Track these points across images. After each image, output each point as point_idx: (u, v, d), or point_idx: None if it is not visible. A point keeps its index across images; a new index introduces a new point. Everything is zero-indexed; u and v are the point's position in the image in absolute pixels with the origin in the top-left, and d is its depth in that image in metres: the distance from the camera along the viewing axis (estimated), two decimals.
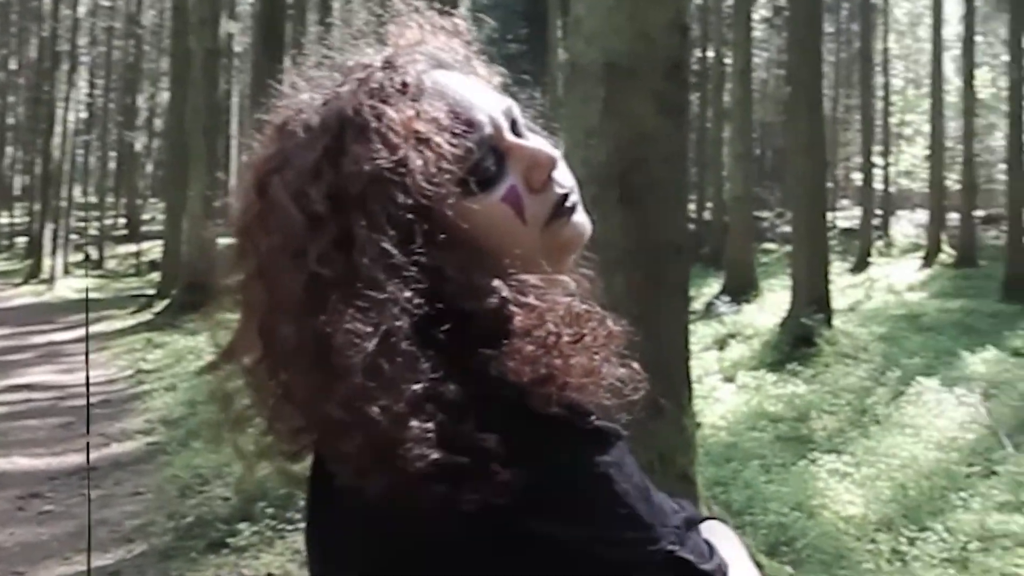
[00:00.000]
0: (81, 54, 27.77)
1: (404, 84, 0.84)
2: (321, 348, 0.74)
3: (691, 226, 25.62)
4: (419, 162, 0.78)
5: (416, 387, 0.72)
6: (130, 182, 36.17)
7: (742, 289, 16.49)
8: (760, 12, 31.43)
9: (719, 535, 0.88)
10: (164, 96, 32.10)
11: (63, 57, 25.14)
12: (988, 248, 22.29)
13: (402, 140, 0.79)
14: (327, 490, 0.81)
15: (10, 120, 40.09)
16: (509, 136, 0.86)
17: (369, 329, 0.73)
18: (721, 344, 12.39)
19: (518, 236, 0.83)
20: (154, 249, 26.02)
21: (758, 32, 29.50)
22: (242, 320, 0.85)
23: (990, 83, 32.15)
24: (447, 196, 0.79)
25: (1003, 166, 21.13)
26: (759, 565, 4.89)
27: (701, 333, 12.89)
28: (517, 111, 0.90)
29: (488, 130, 0.84)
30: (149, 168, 40.39)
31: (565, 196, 0.87)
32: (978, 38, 25.08)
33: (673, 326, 4.54)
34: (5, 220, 35.99)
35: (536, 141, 0.88)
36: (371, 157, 0.78)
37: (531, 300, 0.79)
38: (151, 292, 18.65)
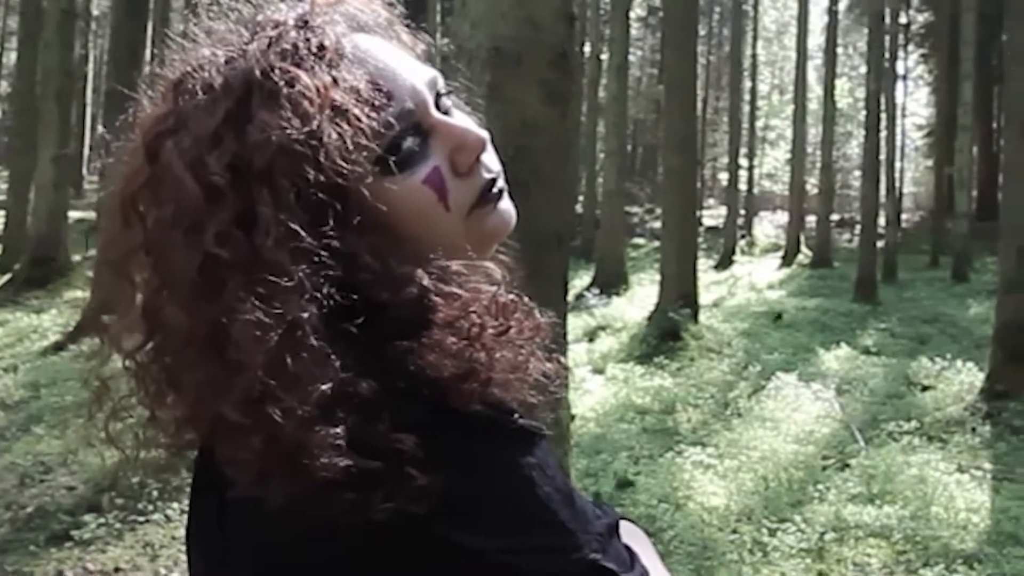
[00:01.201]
0: None
1: (321, 47, 0.74)
2: (216, 339, 0.67)
3: None
4: (334, 135, 0.70)
5: (324, 387, 0.65)
6: None
7: (612, 282, 16.79)
8: (636, 11, 32.05)
9: (634, 538, 0.85)
10: (11, 57, 30.09)
11: None
12: (842, 250, 23.48)
13: (316, 110, 0.70)
14: (217, 491, 0.72)
15: None
16: (434, 113, 0.78)
17: (271, 320, 0.66)
18: (591, 336, 12.55)
19: (440, 222, 0.77)
20: None
21: (633, 30, 30.07)
22: (123, 298, 0.76)
23: (848, 93, 33.86)
24: (364, 175, 0.72)
25: (858, 173, 22.25)
26: None
27: (572, 325, 13.00)
28: (442, 83, 0.81)
29: (411, 104, 0.76)
30: None
31: (492, 181, 0.80)
32: (839, 50, 26.28)
33: (553, 317, 4.51)
34: None
35: (463, 120, 0.80)
36: (280, 126, 0.69)
37: (454, 289, 0.72)
38: None
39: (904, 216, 30.91)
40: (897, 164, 25.76)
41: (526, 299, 0.78)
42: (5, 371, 9.26)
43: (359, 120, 0.71)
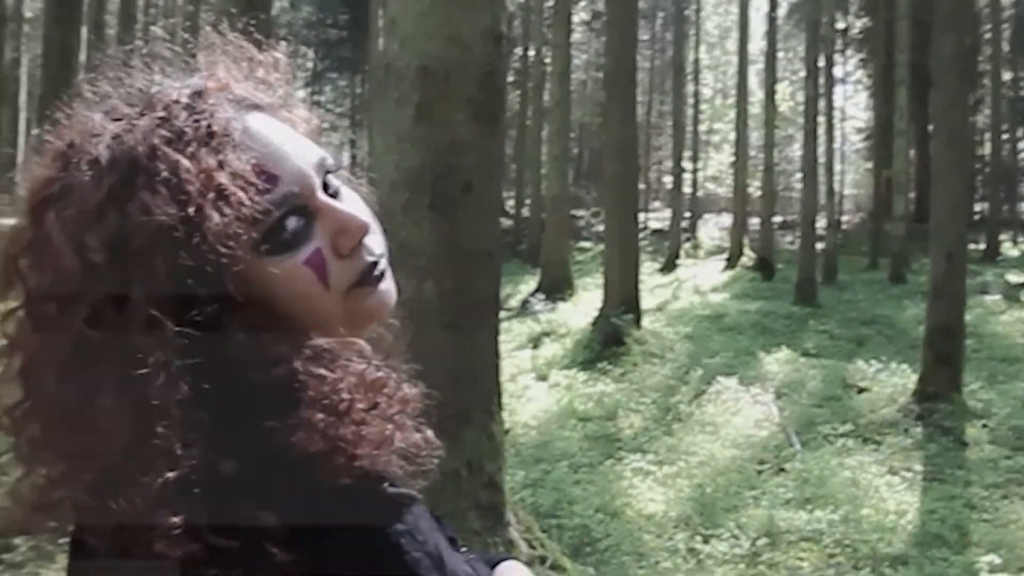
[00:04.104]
0: None
1: (210, 130, 0.76)
2: (78, 418, 0.68)
3: (509, 223, 25.97)
4: (215, 219, 0.72)
5: (174, 473, 0.66)
6: None
7: (557, 287, 16.83)
8: (580, 15, 32.23)
9: None
10: None
11: None
12: (784, 252, 23.79)
13: (198, 194, 0.72)
14: (83, 561, 0.74)
15: None
16: (320, 196, 0.80)
17: (130, 404, 0.67)
18: (535, 342, 12.59)
19: (318, 301, 0.79)
20: None
21: (578, 34, 30.25)
22: (8, 352, 0.75)
23: (790, 97, 34.42)
24: (241, 258, 0.74)
25: (799, 175, 22.61)
26: (563, 569, 4.87)
27: (516, 331, 13.06)
28: (331, 162, 0.84)
29: (297, 188, 0.78)
30: None
31: (374, 264, 0.83)
32: (780, 54, 26.69)
33: (483, 333, 4.53)
34: None
35: (350, 203, 0.83)
36: (160, 209, 0.71)
37: (323, 369, 0.74)
38: None
39: (844, 218, 31.42)
40: (837, 167, 26.20)
41: (394, 374, 0.79)
42: None
43: (241, 204, 0.73)
